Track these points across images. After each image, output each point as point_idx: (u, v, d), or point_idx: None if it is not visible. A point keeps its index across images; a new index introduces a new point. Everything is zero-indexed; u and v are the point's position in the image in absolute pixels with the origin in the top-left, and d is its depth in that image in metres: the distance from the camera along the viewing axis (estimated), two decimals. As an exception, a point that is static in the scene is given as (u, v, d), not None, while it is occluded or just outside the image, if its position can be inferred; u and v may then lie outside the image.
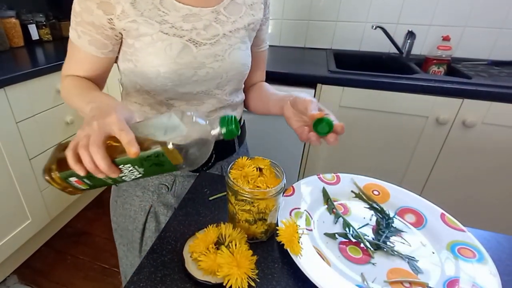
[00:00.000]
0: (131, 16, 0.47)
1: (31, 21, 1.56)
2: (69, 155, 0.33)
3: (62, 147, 0.38)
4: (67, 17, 1.90)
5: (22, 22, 1.51)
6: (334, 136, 0.43)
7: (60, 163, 0.36)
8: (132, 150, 0.31)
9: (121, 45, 0.53)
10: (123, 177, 0.36)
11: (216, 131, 0.37)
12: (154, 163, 0.35)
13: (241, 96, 0.66)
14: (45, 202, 1.34)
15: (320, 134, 0.44)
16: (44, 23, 1.63)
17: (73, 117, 1.39)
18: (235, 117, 0.37)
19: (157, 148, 0.34)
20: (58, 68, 1.27)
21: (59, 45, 1.64)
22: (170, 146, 0.34)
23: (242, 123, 0.69)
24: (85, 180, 0.37)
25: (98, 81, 0.56)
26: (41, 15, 1.61)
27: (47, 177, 0.37)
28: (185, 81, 0.52)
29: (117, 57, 0.56)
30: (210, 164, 0.63)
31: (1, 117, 1.08)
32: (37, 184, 1.28)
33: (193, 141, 0.35)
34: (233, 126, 0.37)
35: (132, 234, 0.66)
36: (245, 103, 0.71)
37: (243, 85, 0.66)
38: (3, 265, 1.25)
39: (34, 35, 1.59)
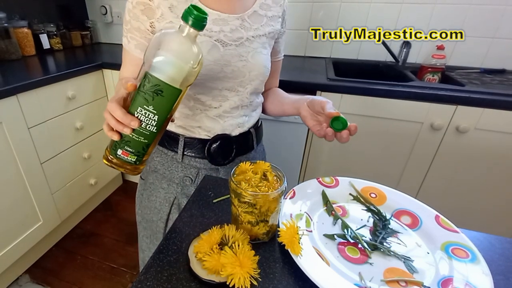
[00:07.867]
0: (169, 18, 0.53)
1: (43, 31, 1.60)
2: (104, 128, 0.43)
3: None
4: (77, 27, 1.96)
5: (33, 32, 1.55)
6: (347, 133, 0.51)
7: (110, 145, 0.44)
8: (128, 84, 0.39)
9: None
10: (147, 127, 0.40)
11: (185, 29, 0.38)
12: (153, 91, 0.38)
13: (260, 98, 0.70)
14: (56, 205, 1.37)
15: (336, 130, 0.51)
16: (55, 33, 1.67)
17: (83, 123, 1.43)
18: (193, 5, 0.39)
19: (144, 74, 0.38)
20: (69, 76, 1.31)
21: (69, 54, 1.67)
22: (149, 70, 0.38)
23: (259, 124, 0.73)
24: (127, 148, 0.42)
25: None
26: (52, 25, 1.65)
27: (105, 161, 0.44)
28: (214, 76, 0.57)
29: None
30: (230, 158, 0.66)
31: (14, 123, 1.11)
32: (48, 187, 1.31)
33: (171, 52, 0.38)
34: (196, 11, 0.37)
35: (157, 225, 0.69)
36: (262, 106, 0.74)
37: (263, 89, 0.69)
38: (16, 265, 1.28)
39: (45, 44, 1.63)
